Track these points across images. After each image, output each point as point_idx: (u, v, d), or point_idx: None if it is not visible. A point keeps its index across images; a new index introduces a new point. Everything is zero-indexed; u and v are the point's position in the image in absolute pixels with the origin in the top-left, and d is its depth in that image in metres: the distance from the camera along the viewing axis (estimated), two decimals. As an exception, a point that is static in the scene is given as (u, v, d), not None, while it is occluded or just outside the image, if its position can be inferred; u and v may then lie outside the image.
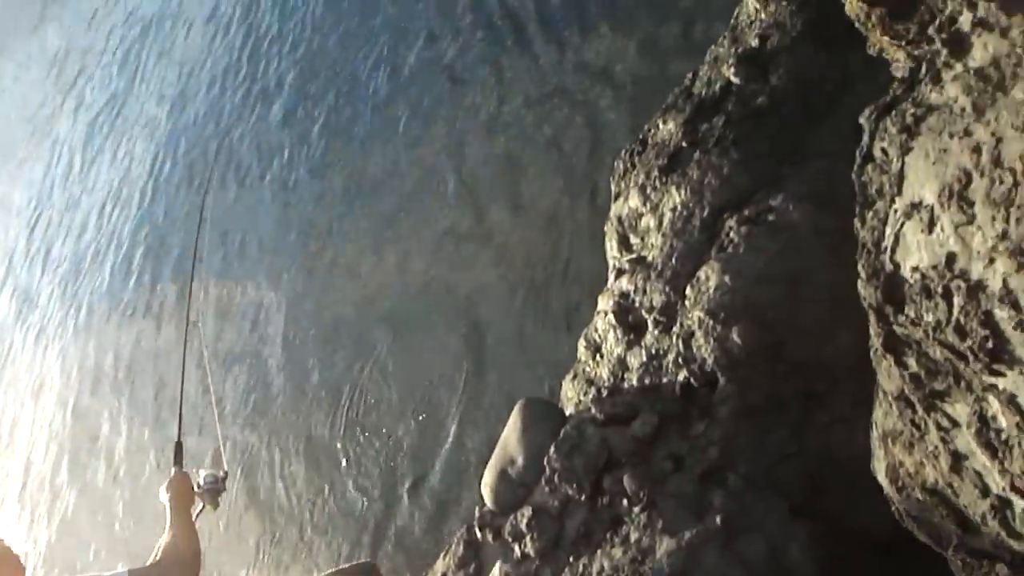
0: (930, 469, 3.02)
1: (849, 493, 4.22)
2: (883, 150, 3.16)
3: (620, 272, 5.60)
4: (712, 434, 4.65)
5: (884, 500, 3.58)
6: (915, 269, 2.98)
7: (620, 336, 5.37)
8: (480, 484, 5.75)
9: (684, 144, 5.57)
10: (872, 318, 3.20)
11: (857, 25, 3.22)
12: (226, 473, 4.73)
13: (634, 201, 5.68)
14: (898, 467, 3.20)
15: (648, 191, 5.59)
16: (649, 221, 5.52)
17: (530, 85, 9.48)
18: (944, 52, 2.92)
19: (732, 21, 6.16)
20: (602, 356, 5.51)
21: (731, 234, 4.92)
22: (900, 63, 3.19)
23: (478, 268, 8.73)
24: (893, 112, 3.09)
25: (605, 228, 6.03)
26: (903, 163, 3.05)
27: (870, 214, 3.22)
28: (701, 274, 4.88)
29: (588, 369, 5.64)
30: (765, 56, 5.62)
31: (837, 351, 4.44)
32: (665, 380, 4.97)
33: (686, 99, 5.99)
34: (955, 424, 2.89)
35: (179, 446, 4.85)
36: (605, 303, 5.59)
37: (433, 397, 8.33)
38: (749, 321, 4.60)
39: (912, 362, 2.98)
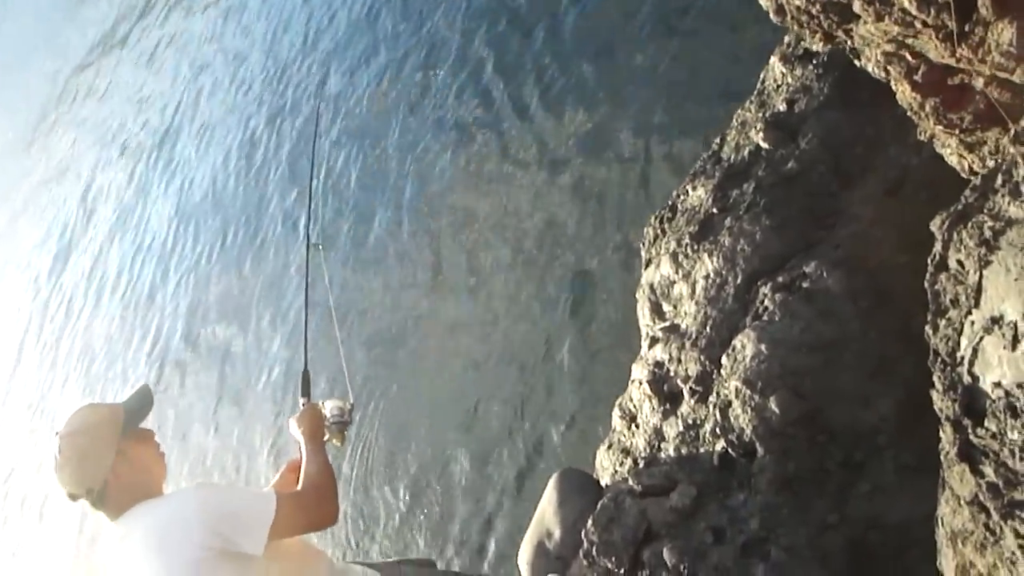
0: (1005, 572, 2.93)
1: (894, 563, 4.15)
2: (959, 261, 3.09)
3: (654, 340, 5.56)
4: (752, 505, 4.57)
5: (932, 571, 3.50)
6: (997, 385, 2.90)
7: (656, 405, 5.32)
8: (516, 558, 5.69)
9: (715, 210, 5.55)
10: (947, 428, 3.10)
11: (909, 113, 3.17)
12: (352, 405, 4.60)
13: (666, 268, 5.65)
14: (968, 567, 3.11)
15: (680, 258, 5.57)
16: (682, 289, 5.49)
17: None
18: None
19: (759, 85, 6.16)
20: (638, 426, 5.46)
21: (766, 302, 4.88)
22: (951, 151, 3.13)
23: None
24: (969, 223, 3.02)
25: (636, 295, 6.00)
26: (981, 275, 2.99)
27: (943, 322, 3.15)
28: (737, 343, 4.84)
29: (624, 439, 5.58)
30: (794, 120, 5.61)
31: (877, 418, 4.39)
32: (703, 450, 4.91)
33: (715, 164, 5.98)
34: (1035, 533, 2.80)
35: (306, 376, 4.69)
36: (640, 372, 5.55)
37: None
38: (786, 390, 4.54)
39: (990, 471, 2.89)
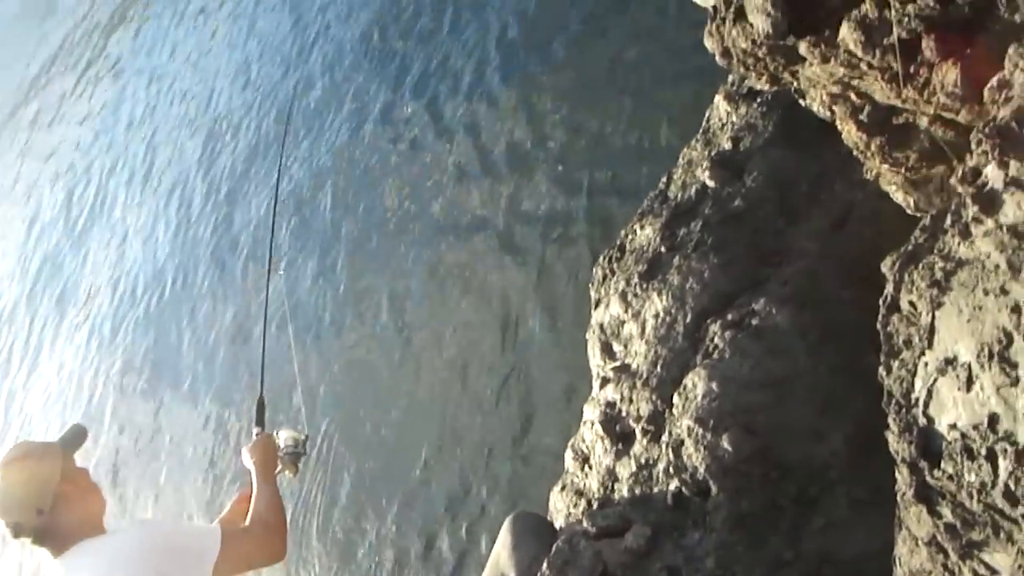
0: (964, 611, 2.92)
1: (849, 598, 4.15)
2: (911, 303, 3.10)
3: (605, 380, 5.54)
4: (708, 543, 4.55)
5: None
6: (953, 427, 2.90)
7: (608, 446, 5.29)
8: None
9: (663, 249, 5.56)
10: (904, 470, 3.10)
11: (855, 152, 3.20)
12: (307, 436, 4.50)
13: (615, 308, 5.65)
14: (926, 606, 3.11)
15: (629, 298, 5.57)
16: (632, 328, 5.49)
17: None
18: (974, 208, 2.85)
19: (704, 124, 6.21)
20: (591, 466, 5.43)
21: (715, 339, 4.89)
22: (897, 188, 3.15)
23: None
24: (920, 264, 3.03)
25: (587, 336, 5.99)
26: (933, 316, 2.99)
27: (896, 363, 3.15)
28: (688, 381, 4.84)
29: (577, 480, 5.55)
30: (739, 158, 5.66)
31: (829, 453, 4.40)
32: (657, 490, 4.89)
33: (662, 203, 6.01)
34: (994, 572, 2.79)
35: (261, 405, 4.58)
36: (591, 412, 5.53)
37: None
38: (738, 427, 4.54)
39: (947, 512, 2.88)
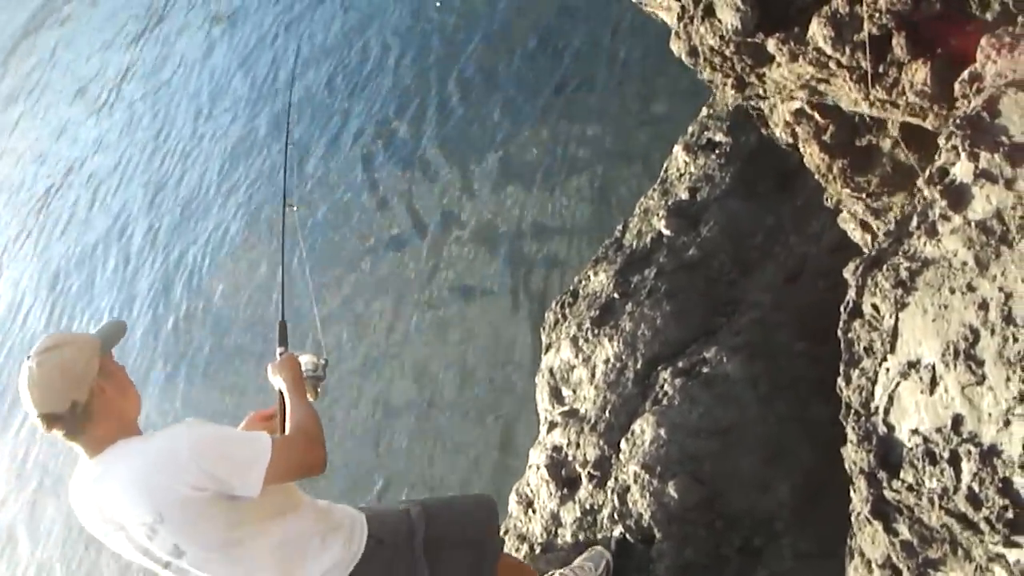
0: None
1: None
2: (874, 306, 3.06)
3: (552, 425, 5.50)
4: (650, 592, 4.51)
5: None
6: (915, 432, 2.86)
7: (553, 490, 5.24)
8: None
9: (616, 295, 5.55)
10: (861, 483, 3.04)
11: (817, 176, 3.19)
12: (326, 361, 4.35)
13: (566, 353, 5.62)
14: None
15: (580, 343, 5.54)
16: (582, 373, 5.46)
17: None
18: (942, 204, 2.84)
19: (662, 174, 6.23)
20: (535, 511, 5.37)
21: (665, 386, 4.87)
22: (858, 215, 3.15)
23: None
24: (884, 266, 3.01)
25: (536, 380, 5.95)
26: (897, 319, 2.96)
27: (856, 372, 3.11)
28: (636, 427, 4.81)
29: (520, 524, 5.47)
30: (695, 208, 5.68)
31: (775, 503, 4.38)
32: (600, 536, 4.83)
33: (617, 250, 6.01)
34: (950, 593, 2.75)
35: (283, 326, 4.43)
36: (537, 456, 5.47)
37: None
38: (685, 475, 4.51)
39: (904, 529, 2.83)
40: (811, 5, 2.69)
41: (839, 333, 3.22)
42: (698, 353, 4.93)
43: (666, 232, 5.69)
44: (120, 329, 3.68)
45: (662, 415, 4.74)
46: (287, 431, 3.68)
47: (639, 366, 5.14)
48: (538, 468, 5.42)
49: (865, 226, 3.33)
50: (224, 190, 13.40)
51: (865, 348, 3.10)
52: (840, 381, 3.21)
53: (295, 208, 5.33)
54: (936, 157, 2.80)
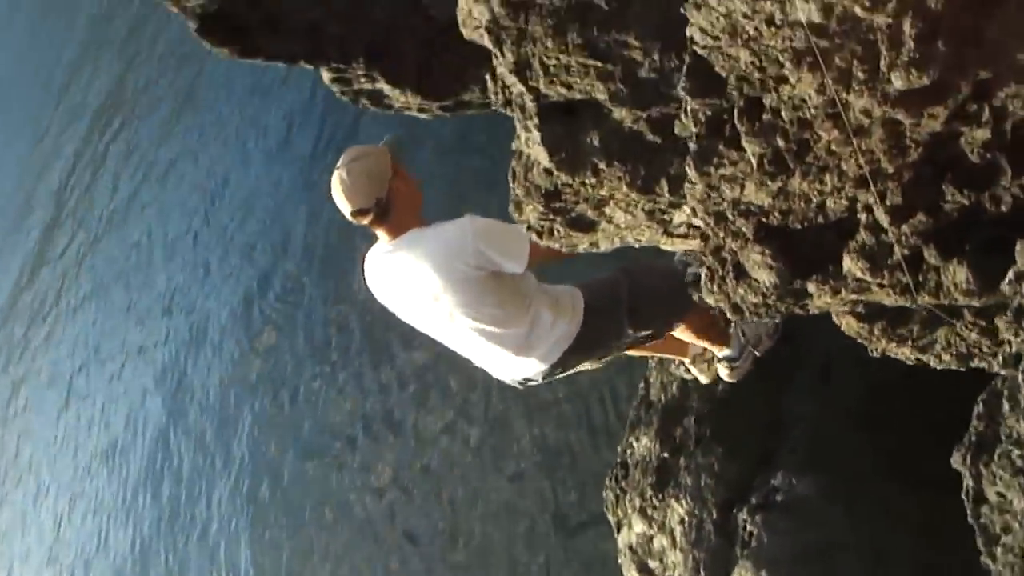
0: None
1: None
2: (999, 494, 3.12)
3: (651, 602, 5.40)
4: None
5: None
6: None
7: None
8: None
9: (666, 455, 5.51)
10: None
11: (858, 339, 3.27)
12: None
13: (639, 526, 5.54)
14: None
15: (649, 512, 5.47)
16: (662, 541, 5.37)
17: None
18: None
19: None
20: None
21: (748, 527, 4.80)
22: (906, 356, 3.19)
23: None
24: (995, 455, 3.07)
25: (620, 561, 5.85)
26: None
27: (1000, 550, 3.13)
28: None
29: None
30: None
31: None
32: None
33: (648, 410, 5.99)
34: None
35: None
36: (648, 638, 5.36)
37: None
38: (800, 606, 4.43)
39: None
40: (837, 240, 2.81)
41: (969, 520, 3.27)
42: (766, 484, 4.88)
43: (687, 376, 5.69)
44: (401, 141, 4.67)
45: (757, 556, 4.66)
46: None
47: (715, 515, 5.07)
48: (652, 648, 5.30)
49: (917, 359, 3.38)
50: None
51: (1003, 529, 3.14)
52: (986, 560, 3.22)
53: None
54: (1006, 344, 2.87)
